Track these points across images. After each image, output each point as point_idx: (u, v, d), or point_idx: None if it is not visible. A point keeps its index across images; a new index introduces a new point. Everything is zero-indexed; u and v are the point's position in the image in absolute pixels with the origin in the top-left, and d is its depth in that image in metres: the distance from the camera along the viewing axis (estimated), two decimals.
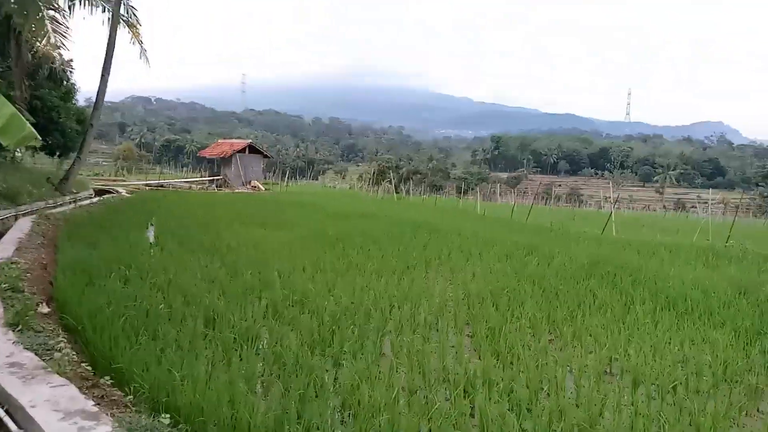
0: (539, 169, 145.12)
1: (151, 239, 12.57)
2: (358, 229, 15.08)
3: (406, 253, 11.35)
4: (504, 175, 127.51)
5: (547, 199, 67.53)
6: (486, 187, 58.08)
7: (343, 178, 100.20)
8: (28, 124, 3.96)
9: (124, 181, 44.94)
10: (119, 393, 3.99)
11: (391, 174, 63.44)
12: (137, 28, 21.81)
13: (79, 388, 3.71)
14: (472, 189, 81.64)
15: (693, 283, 9.25)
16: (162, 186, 41.16)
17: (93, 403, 3.48)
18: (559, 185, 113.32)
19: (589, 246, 14.43)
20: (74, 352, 4.57)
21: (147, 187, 38.14)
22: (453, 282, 9.20)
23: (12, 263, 7.77)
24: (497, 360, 5.58)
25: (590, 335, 6.54)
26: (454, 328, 6.75)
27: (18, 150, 28.25)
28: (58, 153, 27.72)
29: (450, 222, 18.67)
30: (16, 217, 14.44)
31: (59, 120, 25.18)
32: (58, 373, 3.81)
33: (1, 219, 13.20)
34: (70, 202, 19.67)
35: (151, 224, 14.94)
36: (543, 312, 7.33)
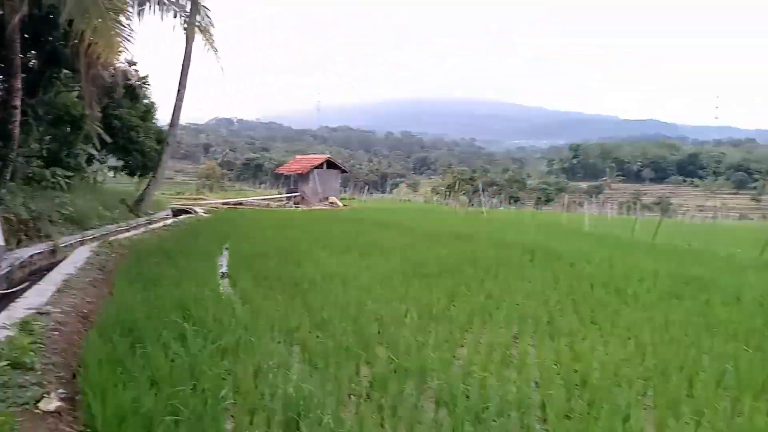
0: (624, 177, 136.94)
1: (223, 269, 10.87)
2: (459, 254, 12.69)
3: (540, 291, 8.79)
4: (584, 185, 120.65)
5: (631, 209, 61.41)
6: (564, 197, 53.70)
7: (416, 191, 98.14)
8: None
9: (205, 199, 44.73)
10: None
11: (467, 186, 60.44)
12: (210, 33, 20.52)
13: None
14: (551, 200, 77.01)
15: None
16: (241, 204, 40.32)
17: None
18: (645, 194, 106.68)
19: None
20: None
21: (225, 206, 37.36)
22: (638, 346, 6.11)
23: (41, 314, 5.98)
24: None
25: None
26: None
27: (101, 171, 28.13)
28: (138, 173, 27.28)
29: (563, 243, 15.68)
30: (82, 243, 13.19)
31: (138, 139, 24.63)
32: None
33: (63, 246, 11.84)
34: (144, 224, 18.57)
35: (226, 249, 13.33)
36: None
